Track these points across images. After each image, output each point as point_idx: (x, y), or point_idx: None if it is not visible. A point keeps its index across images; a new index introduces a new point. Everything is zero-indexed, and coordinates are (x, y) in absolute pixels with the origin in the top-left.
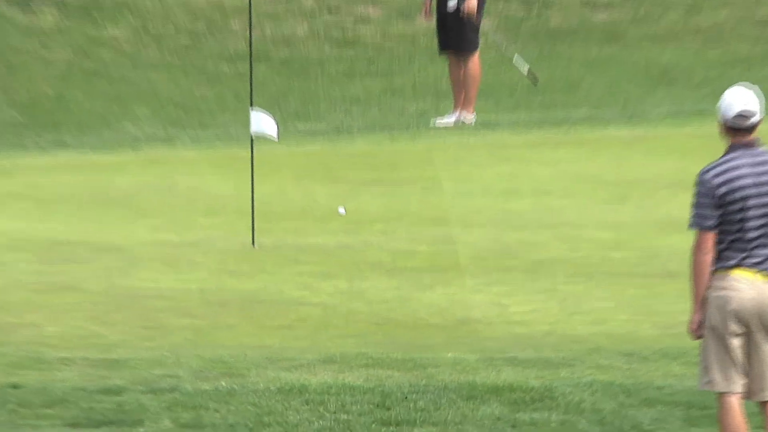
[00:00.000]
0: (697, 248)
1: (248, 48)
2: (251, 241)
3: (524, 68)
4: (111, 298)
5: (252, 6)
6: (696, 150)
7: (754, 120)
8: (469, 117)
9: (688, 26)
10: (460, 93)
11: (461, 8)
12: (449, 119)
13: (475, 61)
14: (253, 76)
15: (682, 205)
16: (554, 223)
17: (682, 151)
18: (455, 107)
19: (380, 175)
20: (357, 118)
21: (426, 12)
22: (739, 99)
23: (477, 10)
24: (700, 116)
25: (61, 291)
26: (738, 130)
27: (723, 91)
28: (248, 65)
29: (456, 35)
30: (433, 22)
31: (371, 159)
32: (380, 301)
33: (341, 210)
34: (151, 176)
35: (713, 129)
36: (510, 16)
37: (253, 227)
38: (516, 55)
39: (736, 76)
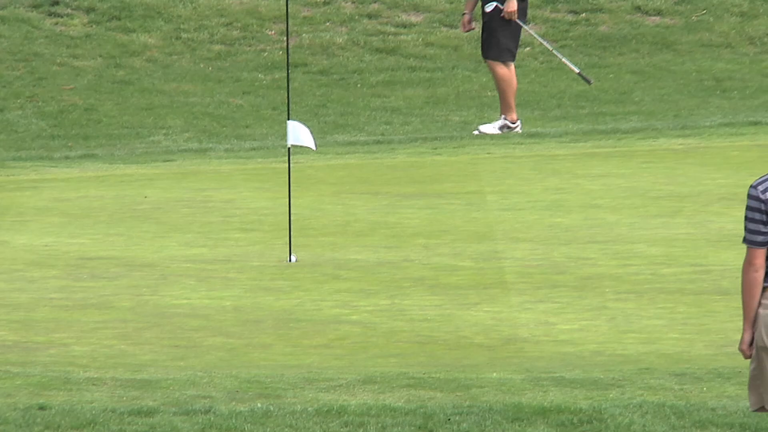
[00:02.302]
0: (747, 264)
1: (285, 56)
2: (288, 257)
3: (575, 68)
4: (141, 316)
5: (289, 12)
6: (751, 162)
7: None
8: (512, 123)
9: (742, 34)
10: None
11: (502, 10)
12: (492, 126)
13: (502, 69)
14: (290, 86)
15: (736, 220)
16: (603, 239)
17: (737, 164)
18: (510, 110)
19: (422, 188)
20: (398, 129)
21: (465, 23)
22: None
23: (518, 15)
24: (754, 127)
25: (90, 309)
26: None
27: None
28: (285, 74)
29: (488, 39)
30: (475, 30)
31: (413, 171)
32: (422, 319)
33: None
34: (183, 190)
35: None
36: (557, 21)
37: (290, 242)
38: (564, 58)
39: None
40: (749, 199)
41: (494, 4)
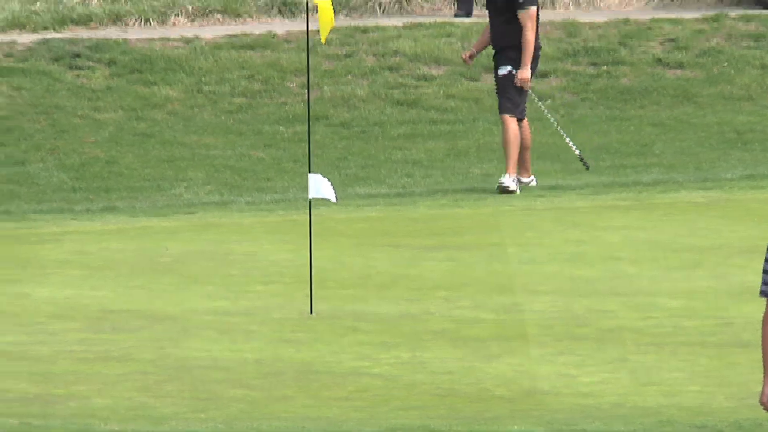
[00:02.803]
0: (767, 317)
1: (306, 109)
2: (309, 309)
3: (576, 151)
4: (162, 368)
5: (310, 65)
6: None
7: None
8: (510, 180)
9: (763, 86)
10: (522, 155)
11: (515, 76)
12: (511, 181)
13: (513, 125)
14: (311, 139)
15: (758, 273)
16: (624, 291)
17: (758, 216)
18: (515, 169)
19: (443, 241)
20: (419, 181)
21: (467, 56)
22: None
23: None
24: None
25: (111, 361)
26: None
27: None
28: (306, 127)
29: (501, 96)
30: (470, 64)
31: (434, 224)
32: (443, 371)
33: None
34: (205, 242)
35: None
36: (578, 74)
37: (311, 295)
38: (567, 138)
39: None
40: None
41: (509, 68)
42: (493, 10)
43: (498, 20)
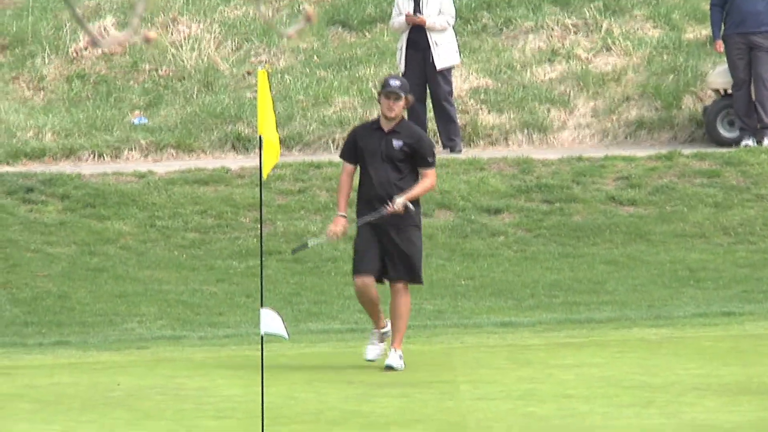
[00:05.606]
0: None
1: (259, 244)
2: None
3: (310, 243)
4: None
5: (263, 200)
6: (724, 353)
7: None
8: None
9: (716, 224)
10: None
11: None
12: (398, 359)
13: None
14: (263, 274)
15: (709, 410)
16: (576, 428)
17: (710, 354)
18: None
19: (396, 378)
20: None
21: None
22: None
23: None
24: (728, 317)
25: None
26: None
27: (753, 292)
28: (259, 262)
29: (416, 260)
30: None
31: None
32: None
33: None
34: (157, 377)
35: (741, 331)
36: (531, 210)
37: (263, 430)
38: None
39: (766, 276)
40: None
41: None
42: (379, 162)
43: (388, 174)
